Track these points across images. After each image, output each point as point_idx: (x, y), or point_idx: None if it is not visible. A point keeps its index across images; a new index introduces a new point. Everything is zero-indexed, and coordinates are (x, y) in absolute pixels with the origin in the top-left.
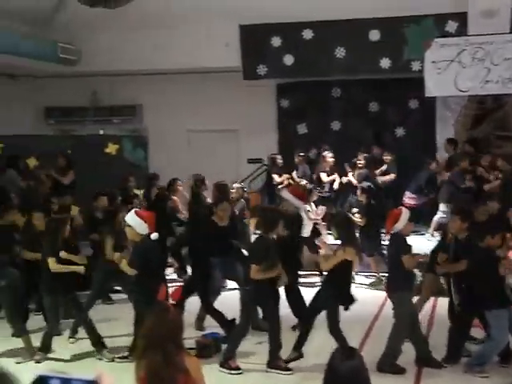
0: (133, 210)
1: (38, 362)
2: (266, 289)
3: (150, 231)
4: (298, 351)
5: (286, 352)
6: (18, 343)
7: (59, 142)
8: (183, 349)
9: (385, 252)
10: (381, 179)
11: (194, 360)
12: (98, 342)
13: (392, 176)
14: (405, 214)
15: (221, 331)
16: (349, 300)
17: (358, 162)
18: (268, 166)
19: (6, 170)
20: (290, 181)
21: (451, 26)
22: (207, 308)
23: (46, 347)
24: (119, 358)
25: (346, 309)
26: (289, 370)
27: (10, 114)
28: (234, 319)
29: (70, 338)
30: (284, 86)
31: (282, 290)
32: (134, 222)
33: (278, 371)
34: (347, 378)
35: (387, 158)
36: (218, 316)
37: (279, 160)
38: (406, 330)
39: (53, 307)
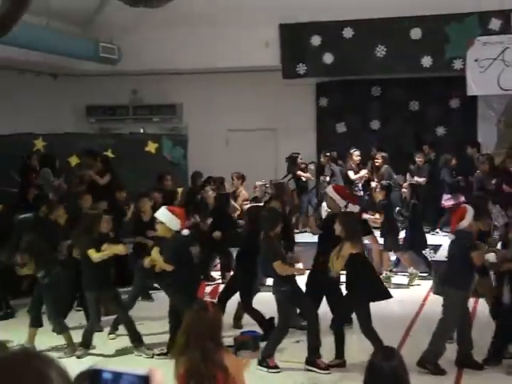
0: (164, 207)
1: (79, 357)
2: (297, 287)
3: (182, 227)
4: (339, 358)
5: (324, 351)
6: (59, 339)
7: (100, 140)
8: (223, 347)
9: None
10: (416, 180)
11: (234, 358)
12: (138, 339)
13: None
14: (470, 211)
15: (259, 329)
16: (378, 295)
17: (376, 160)
18: (291, 164)
19: (41, 169)
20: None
21: (494, 24)
22: (246, 306)
23: (86, 343)
24: (158, 354)
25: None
26: (327, 368)
27: (52, 113)
28: (271, 318)
29: (109, 334)
30: (323, 84)
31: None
32: (166, 217)
33: (317, 370)
34: (388, 378)
35: (420, 159)
36: (256, 315)
37: (299, 159)
38: (452, 328)
39: (94, 304)
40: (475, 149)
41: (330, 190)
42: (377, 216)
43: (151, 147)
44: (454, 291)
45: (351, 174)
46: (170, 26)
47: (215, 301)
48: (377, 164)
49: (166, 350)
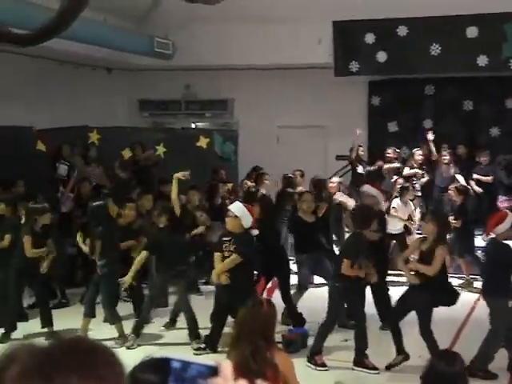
0: (238, 202)
1: (129, 348)
2: (356, 286)
3: (252, 226)
4: (402, 353)
5: (372, 352)
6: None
7: (152, 134)
8: (274, 344)
9: (478, 255)
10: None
11: (285, 356)
12: (195, 332)
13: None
14: (510, 217)
15: (307, 326)
16: (450, 299)
17: (443, 158)
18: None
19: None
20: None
21: None
22: (283, 297)
23: (136, 334)
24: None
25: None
26: (375, 369)
27: (106, 107)
28: (300, 313)
29: (167, 324)
30: (376, 83)
31: (368, 290)
32: (242, 213)
33: (365, 370)
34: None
35: (484, 159)
36: (291, 307)
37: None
38: (501, 337)
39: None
40: None
41: (368, 187)
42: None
43: (203, 142)
44: (496, 301)
45: (406, 169)
46: (223, 21)
47: (271, 298)
48: (445, 162)
49: (204, 345)
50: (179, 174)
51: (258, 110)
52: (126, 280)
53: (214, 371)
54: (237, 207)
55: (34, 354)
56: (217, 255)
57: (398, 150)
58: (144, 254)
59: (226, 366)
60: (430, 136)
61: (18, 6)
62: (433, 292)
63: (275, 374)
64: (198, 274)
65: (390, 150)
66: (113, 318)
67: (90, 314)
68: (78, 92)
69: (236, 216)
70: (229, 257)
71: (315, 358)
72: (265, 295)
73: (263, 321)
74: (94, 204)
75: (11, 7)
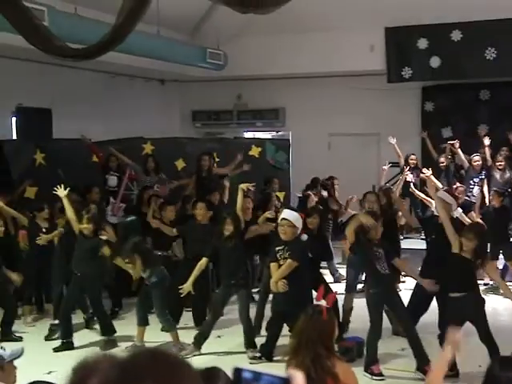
0: (290, 210)
1: (185, 356)
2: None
3: (301, 232)
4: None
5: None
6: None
7: (206, 144)
8: (334, 353)
9: None
10: None
11: (346, 366)
12: (251, 340)
13: None
14: None
15: (362, 335)
16: None
17: (498, 163)
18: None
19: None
20: None
21: None
22: None
23: (197, 345)
24: (251, 358)
25: None
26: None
27: (160, 118)
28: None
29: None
30: (429, 88)
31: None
32: (297, 221)
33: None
34: None
35: None
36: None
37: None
38: None
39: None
40: None
41: (442, 193)
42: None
43: (255, 151)
44: None
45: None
46: (274, 31)
47: (329, 306)
48: (499, 167)
49: (259, 354)
50: (244, 186)
51: (309, 118)
52: (186, 288)
53: (286, 383)
54: (292, 215)
55: (115, 365)
56: (273, 265)
57: (450, 156)
58: (204, 260)
59: (299, 377)
60: (487, 141)
61: (75, 22)
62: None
63: (335, 383)
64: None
65: (442, 159)
66: (168, 326)
67: (142, 322)
68: (132, 104)
69: (293, 224)
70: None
71: (371, 367)
72: (323, 303)
73: (323, 329)
74: (128, 220)
75: (68, 23)
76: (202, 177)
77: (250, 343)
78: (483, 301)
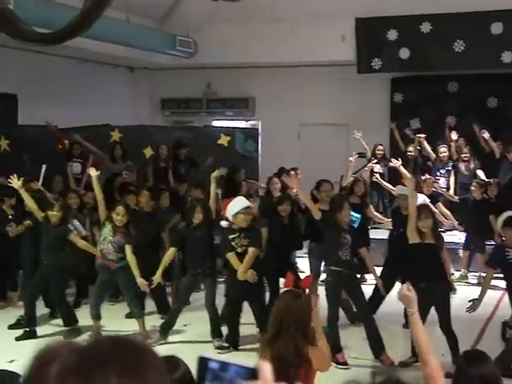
0: (242, 197)
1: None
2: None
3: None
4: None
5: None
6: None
7: (174, 132)
8: (310, 339)
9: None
10: None
11: (320, 351)
12: (218, 329)
13: None
14: None
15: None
16: None
17: (464, 154)
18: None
19: None
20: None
21: None
22: None
23: (163, 334)
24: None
25: None
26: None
27: (128, 105)
28: None
29: None
30: (399, 80)
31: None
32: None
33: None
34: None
35: None
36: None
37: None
38: None
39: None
40: None
41: (400, 187)
42: None
43: (224, 140)
44: None
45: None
46: (245, 19)
47: (307, 290)
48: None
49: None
50: (215, 174)
51: (279, 108)
52: (156, 279)
53: (253, 373)
54: (245, 201)
55: (75, 352)
56: (231, 255)
57: (418, 148)
58: (172, 250)
59: (266, 368)
60: (454, 136)
61: (41, 5)
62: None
63: (308, 370)
64: None
65: (410, 148)
66: (137, 311)
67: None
68: (100, 91)
69: (251, 211)
70: (242, 252)
71: (337, 356)
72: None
73: (302, 314)
74: None
75: (34, 6)
76: (159, 167)
77: (216, 332)
78: (449, 290)
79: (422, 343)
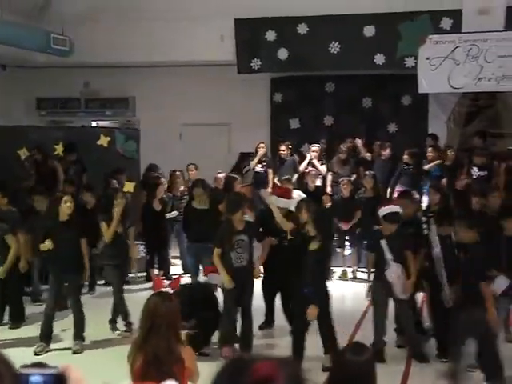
0: None
1: (36, 354)
2: None
3: None
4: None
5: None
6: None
7: (50, 133)
8: (180, 338)
9: None
10: None
11: (189, 350)
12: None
13: None
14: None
15: None
16: None
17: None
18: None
19: None
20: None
21: (446, 23)
22: None
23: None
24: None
25: None
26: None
27: (2, 105)
28: None
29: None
30: (278, 80)
31: None
32: None
33: None
34: (356, 373)
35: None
36: None
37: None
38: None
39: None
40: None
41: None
42: None
43: (103, 141)
44: None
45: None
46: (123, 18)
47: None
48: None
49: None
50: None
51: (160, 108)
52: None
53: (58, 379)
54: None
55: None
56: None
57: (290, 146)
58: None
59: (73, 369)
60: (359, 141)
61: None
62: None
63: (181, 369)
64: None
65: (283, 147)
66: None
67: None
68: None
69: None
70: None
71: (223, 349)
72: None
73: (173, 314)
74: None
75: None
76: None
77: (78, 335)
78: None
79: None
